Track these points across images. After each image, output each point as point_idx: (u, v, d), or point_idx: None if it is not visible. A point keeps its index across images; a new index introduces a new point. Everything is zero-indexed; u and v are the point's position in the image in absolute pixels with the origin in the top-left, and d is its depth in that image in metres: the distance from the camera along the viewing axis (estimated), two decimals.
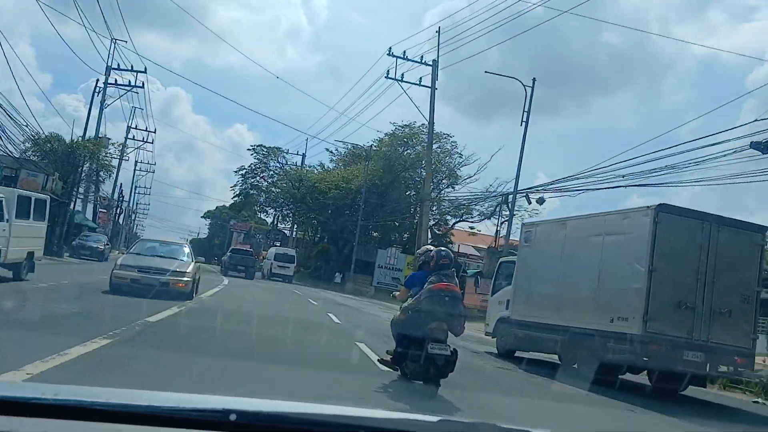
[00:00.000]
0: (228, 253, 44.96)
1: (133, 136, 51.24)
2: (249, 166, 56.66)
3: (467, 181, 45.73)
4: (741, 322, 11.33)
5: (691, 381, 11.82)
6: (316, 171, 55.43)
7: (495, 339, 15.69)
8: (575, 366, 12.31)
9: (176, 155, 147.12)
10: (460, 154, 47.01)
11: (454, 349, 7.61)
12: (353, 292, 40.28)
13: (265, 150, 56.31)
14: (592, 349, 11.84)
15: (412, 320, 7.70)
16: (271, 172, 56.40)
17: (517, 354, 14.81)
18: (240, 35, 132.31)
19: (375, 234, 51.49)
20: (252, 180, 56.79)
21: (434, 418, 1.81)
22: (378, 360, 8.56)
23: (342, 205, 48.78)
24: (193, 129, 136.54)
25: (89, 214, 47.41)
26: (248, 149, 58.68)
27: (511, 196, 30.51)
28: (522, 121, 28.40)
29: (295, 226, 63.96)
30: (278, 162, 56.58)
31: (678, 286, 11.09)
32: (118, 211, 58.54)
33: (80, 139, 33.53)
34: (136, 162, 67.05)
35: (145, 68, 37.99)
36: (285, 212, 60.68)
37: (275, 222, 70.36)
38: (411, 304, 7.89)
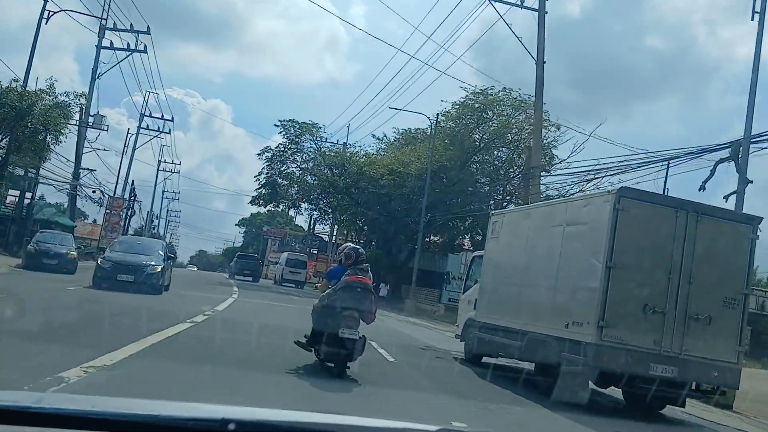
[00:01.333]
0: (234, 259, 45.09)
1: (147, 125, 46.87)
2: (276, 148, 43.09)
3: (560, 165, 33.43)
4: (724, 330, 9.41)
5: (667, 400, 9.98)
6: (362, 156, 43.27)
7: (463, 343, 14.03)
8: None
9: (217, 166, 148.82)
10: (556, 126, 34.53)
11: (363, 335, 8.36)
12: (416, 313, 30.52)
13: (297, 126, 42.66)
14: (547, 357, 10.10)
15: (329, 308, 8.45)
16: (305, 155, 43.04)
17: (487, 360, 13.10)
18: (279, 46, 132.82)
19: (436, 238, 42.80)
20: (281, 167, 43.17)
21: (434, 427, 1.81)
22: (294, 342, 8.99)
23: (397, 197, 37.80)
24: (233, 140, 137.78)
25: (99, 216, 43.52)
26: (276, 125, 44.26)
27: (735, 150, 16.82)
28: (753, 11, 15.66)
29: (336, 228, 54.27)
30: (314, 143, 43.25)
31: (644, 287, 9.24)
32: (129, 213, 49.98)
33: (19, 87, 24.32)
34: (160, 161, 59.40)
35: (148, 28, 32.70)
36: (323, 208, 48.04)
37: (311, 226, 60.11)
38: (328, 294, 8.67)
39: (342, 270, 8.71)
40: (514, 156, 37.05)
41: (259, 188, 43.94)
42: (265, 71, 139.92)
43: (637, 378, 9.17)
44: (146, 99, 46.82)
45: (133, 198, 50.02)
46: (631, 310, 9.16)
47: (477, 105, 36.59)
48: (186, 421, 1.58)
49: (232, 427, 1.54)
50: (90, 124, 31.17)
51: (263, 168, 43.44)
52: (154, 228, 71.14)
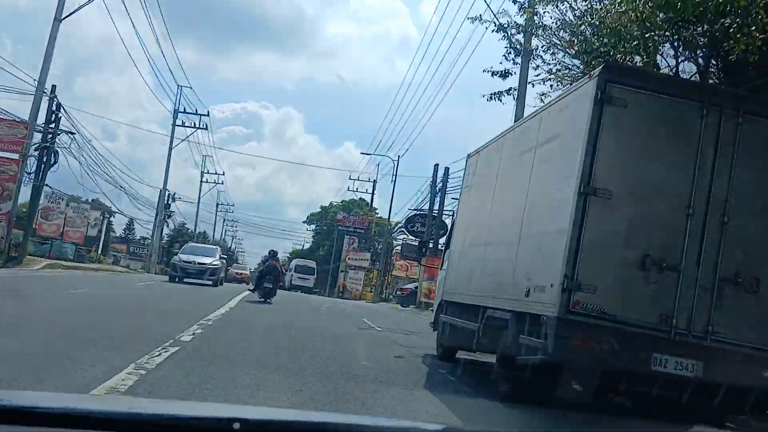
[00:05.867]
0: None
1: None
2: None
3: None
4: None
5: (698, 415, 6.38)
6: None
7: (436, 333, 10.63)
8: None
9: (289, 175, 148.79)
10: None
11: (274, 286, 17.73)
12: None
13: None
14: (504, 345, 6.68)
15: (259, 275, 18.46)
16: None
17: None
18: (350, 49, 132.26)
19: None
20: None
21: (439, 426, 1.97)
22: (247, 288, 20.59)
23: None
24: (304, 149, 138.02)
25: None
26: None
27: None
28: None
29: None
30: None
31: (644, 227, 5.73)
32: (46, 159, 23.17)
33: None
34: (176, 110, 39.86)
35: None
36: None
37: (439, 177, 31.16)
38: (260, 268, 19.44)
39: (268, 258, 18.69)
40: None
41: None
42: (335, 76, 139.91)
43: (630, 378, 5.65)
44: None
45: (52, 123, 23.07)
46: (621, 265, 5.65)
47: None
48: (191, 420, 1.59)
49: (236, 426, 1.52)
50: None
51: None
52: (169, 214, 43.22)
